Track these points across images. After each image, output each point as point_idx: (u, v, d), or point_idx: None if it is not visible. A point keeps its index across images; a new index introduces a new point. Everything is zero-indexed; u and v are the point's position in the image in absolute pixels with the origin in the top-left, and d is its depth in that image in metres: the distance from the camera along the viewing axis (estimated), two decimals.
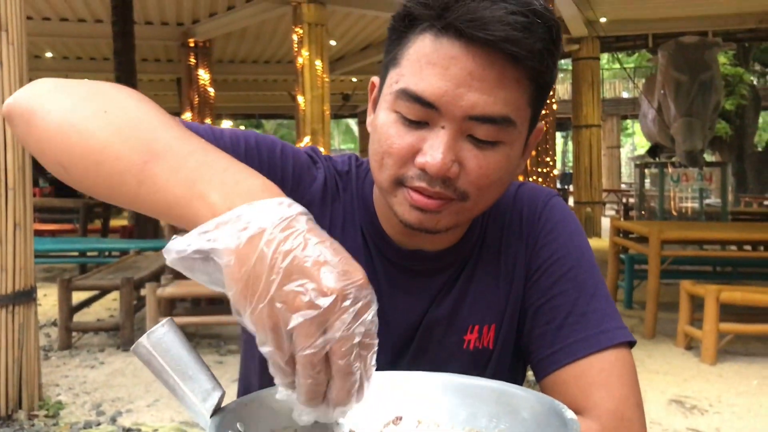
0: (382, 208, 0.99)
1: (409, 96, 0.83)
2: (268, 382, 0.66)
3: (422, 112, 0.83)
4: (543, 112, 0.95)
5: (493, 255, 1.01)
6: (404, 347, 0.99)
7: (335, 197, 1.02)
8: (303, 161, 1.00)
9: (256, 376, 1.05)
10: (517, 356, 1.02)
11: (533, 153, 8.05)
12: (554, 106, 8.86)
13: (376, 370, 0.63)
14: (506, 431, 0.72)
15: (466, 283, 1.00)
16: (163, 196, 0.67)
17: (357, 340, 0.57)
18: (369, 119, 0.94)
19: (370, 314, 0.58)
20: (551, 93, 0.96)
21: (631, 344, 0.95)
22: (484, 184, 0.86)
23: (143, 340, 0.66)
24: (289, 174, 0.97)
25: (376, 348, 0.60)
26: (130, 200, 0.70)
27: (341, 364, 0.58)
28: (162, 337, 0.66)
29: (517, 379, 1.04)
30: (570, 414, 0.66)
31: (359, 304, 0.57)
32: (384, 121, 0.87)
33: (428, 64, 0.82)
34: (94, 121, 0.72)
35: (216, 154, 0.69)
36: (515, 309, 0.99)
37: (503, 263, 1.01)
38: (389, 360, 0.98)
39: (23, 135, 0.79)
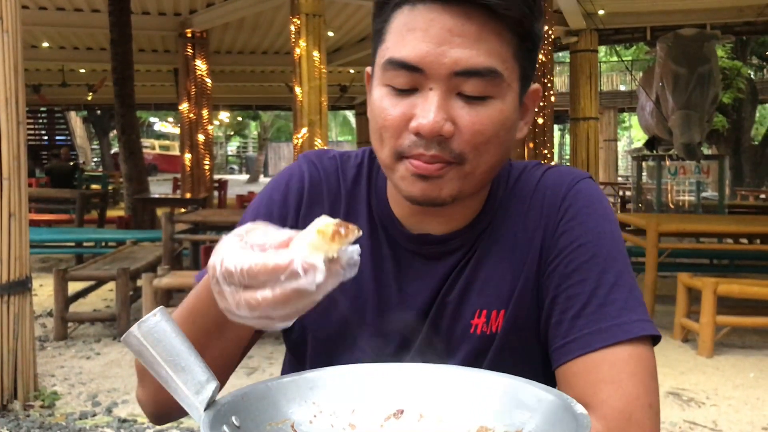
0: (392, 192, 1.00)
1: (394, 64, 0.85)
2: None
3: (409, 77, 0.85)
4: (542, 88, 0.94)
5: (508, 239, 0.98)
6: (414, 332, 0.98)
7: (332, 191, 1.04)
8: (267, 200, 1.04)
9: None
10: (534, 344, 0.97)
11: (531, 144, 8.02)
12: (552, 99, 8.83)
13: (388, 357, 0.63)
14: (512, 426, 0.69)
15: (476, 268, 0.97)
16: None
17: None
18: (368, 109, 0.96)
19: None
20: (541, 56, 0.96)
21: (654, 339, 0.90)
22: (479, 141, 0.86)
23: (134, 329, 0.64)
24: (276, 218, 1.02)
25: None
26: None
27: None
28: (153, 326, 0.64)
29: (537, 368, 0.98)
30: (580, 408, 0.63)
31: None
32: (376, 97, 0.89)
33: (408, 31, 0.85)
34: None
35: None
36: (525, 294, 0.96)
37: (519, 248, 0.97)
38: (399, 344, 0.97)
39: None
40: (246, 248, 0.65)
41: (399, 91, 0.87)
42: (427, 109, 0.84)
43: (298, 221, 1.02)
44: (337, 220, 0.65)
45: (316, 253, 0.63)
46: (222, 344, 0.89)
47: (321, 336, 0.99)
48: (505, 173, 1.02)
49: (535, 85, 0.95)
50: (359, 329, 0.98)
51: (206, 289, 0.84)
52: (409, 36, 0.85)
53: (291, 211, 1.03)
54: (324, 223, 0.65)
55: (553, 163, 1.06)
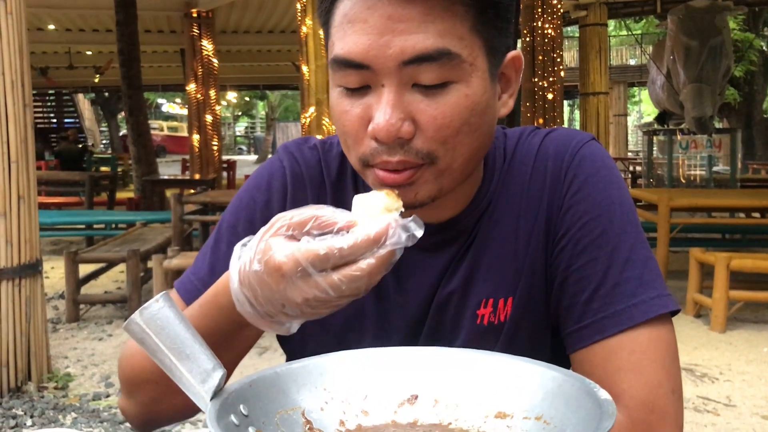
0: None
1: (339, 63, 0.78)
2: None
3: (358, 75, 0.78)
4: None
5: (511, 219, 0.91)
6: (416, 329, 0.93)
7: (316, 184, 0.98)
8: (249, 202, 0.99)
9: None
10: (543, 328, 0.93)
11: (541, 120, 7.96)
12: (561, 74, 8.74)
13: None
14: (532, 412, 0.67)
15: (478, 254, 0.91)
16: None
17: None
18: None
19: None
20: (517, 18, 0.87)
21: (672, 313, 0.86)
22: (447, 135, 0.78)
23: (135, 316, 0.62)
24: (258, 221, 0.95)
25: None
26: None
27: None
28: (156, 313, 0.62)
29: (546, 352, 0.93)
30: (604, 394, 0.60)
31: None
32: (333, 99, 0.83)
33: (349, 23, 0.77)
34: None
35: None
36: (533, 277, 0.90)
37: (523, 227, 0.91)
38: (402, 341, 0.93)
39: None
40: (307, 237, 0.67)
41: (352, 90, 0.79)
42: (381, 110, 0.76)
43: None
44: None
45: (392, 213, 0.68)
46: (229, 355, 0.85)
47: (320, 342, 0.94)
48: (500, 145, 0.95)
49: (513, 52, 0.85)
50: (359, 331, 0.94)
51: (213, 304, 0.82)
52: (349, 30, 0.77)
53: (275, 212, 0.97)
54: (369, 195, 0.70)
55: (551, 127, 1.00)
